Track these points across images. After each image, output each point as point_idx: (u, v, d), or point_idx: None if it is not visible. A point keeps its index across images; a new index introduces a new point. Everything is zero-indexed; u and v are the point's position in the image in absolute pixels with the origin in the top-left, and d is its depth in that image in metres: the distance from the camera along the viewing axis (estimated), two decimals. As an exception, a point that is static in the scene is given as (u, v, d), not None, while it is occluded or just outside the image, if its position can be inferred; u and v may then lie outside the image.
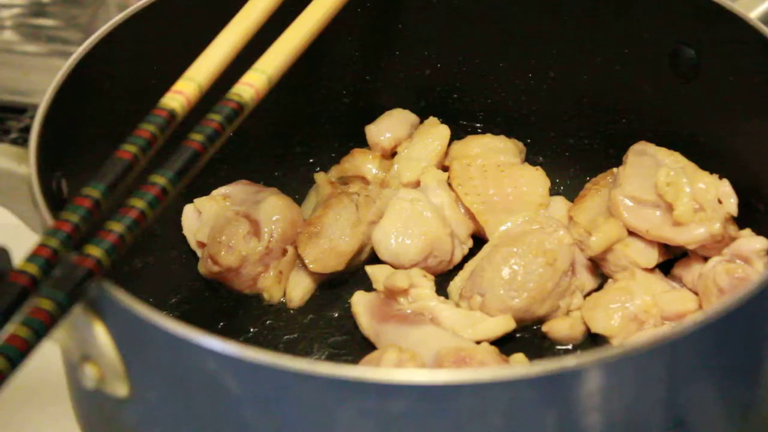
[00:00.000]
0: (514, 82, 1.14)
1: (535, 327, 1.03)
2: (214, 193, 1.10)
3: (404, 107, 1.16)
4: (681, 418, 0.76)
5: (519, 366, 0.91)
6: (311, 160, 1.17)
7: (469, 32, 1.12)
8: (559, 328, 1.01)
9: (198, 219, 1.09)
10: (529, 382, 0.70)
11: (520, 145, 1.14)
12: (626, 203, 1.03)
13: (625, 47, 1.07)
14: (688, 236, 1.00)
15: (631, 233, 1.04)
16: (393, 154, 1.14)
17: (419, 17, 1.12)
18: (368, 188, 1.11)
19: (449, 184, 1.10)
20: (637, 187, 1.03)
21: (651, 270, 1.03)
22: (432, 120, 1.15)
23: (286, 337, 1.04)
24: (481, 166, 1.11)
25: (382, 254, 1.07)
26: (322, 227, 1.07)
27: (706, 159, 1.04)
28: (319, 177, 1.14)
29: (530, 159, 1.15)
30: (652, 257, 1.03)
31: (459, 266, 1.08)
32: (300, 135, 1.17)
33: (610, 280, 1.04)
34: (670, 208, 1.01)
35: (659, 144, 1.07)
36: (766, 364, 0.80)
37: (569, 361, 0.70)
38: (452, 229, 1.08)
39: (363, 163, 1.13)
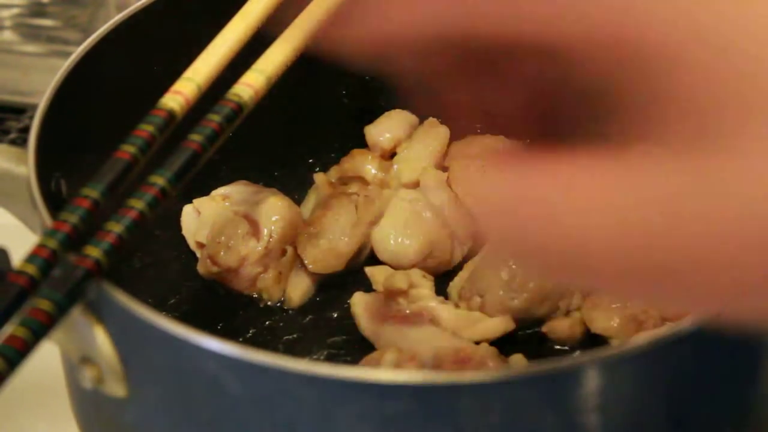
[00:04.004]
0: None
1: (534, 327, 1.02)
2: (214, 193, 1.10)
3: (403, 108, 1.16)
4: (681, 418, 0.76)
5: (519, 366, 0.91)
6: (311, 161, 1.17)
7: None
8: (559, 328, 1.01)
9: (197, 219, 1.09)
10: (529, 383, 0.70)
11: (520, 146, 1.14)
12: None
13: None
14: None
15: None
16: (392, 154, 1.14)
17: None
18: (368, 189, 1.11)
19: (449, 185, 1.10)
20: None
21: None
22: (431, 120, 1.14)
23: (285, 337, 1.04)
24: (480, 167, 1.11)
25: (382, 255, 1.07)
26: (321, 228, 1.07)
27: (706, 159, 1.04)
28: (319, 177, 1.14)
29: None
30: None
31: (459, 266, 1.08)
32: (299, 135, 1.17)
33: None
34: None
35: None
36: (765, 365, 0.80)
37: (569, 361, 0.70)
38: (452, 229, 1.07)
39: (362, 163, 1.13)
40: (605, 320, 1.00)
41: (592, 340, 1.01)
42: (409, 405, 0.70)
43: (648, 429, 0.76)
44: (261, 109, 1.08)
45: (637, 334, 0.99)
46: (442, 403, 0.69)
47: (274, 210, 1.07)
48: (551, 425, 0.72)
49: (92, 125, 0.97)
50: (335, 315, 1.06)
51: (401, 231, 1.06)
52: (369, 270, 1.05)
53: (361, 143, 1.15)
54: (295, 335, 1.04)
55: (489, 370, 0.79)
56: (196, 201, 1.09)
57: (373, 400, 0.70)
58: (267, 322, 1.05)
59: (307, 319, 1.06)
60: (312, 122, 1.16)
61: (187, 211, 1.10)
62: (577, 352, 1.01)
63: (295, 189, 1.15)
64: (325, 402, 0.71)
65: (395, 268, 1.06)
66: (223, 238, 1.05)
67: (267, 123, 1.11)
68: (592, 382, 0.71)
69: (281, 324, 1.05)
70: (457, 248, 1.08)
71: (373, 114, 1.16)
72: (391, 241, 1.06)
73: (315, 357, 1.02)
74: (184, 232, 1.09)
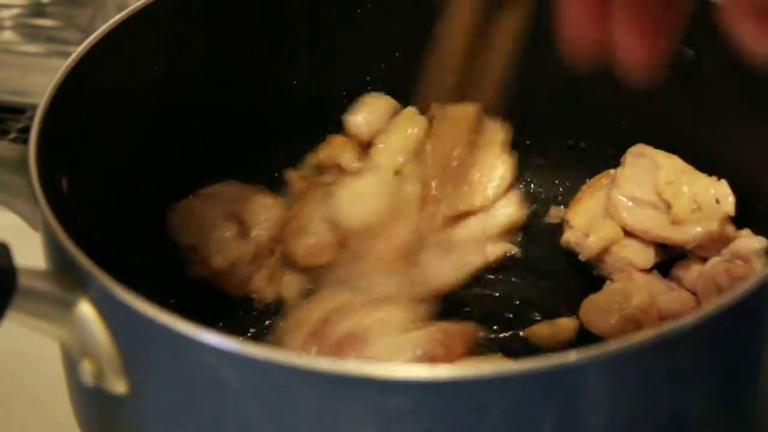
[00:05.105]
0: (513, 82, 1.13)
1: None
2: (201, 192, 1.09)
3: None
4: (680, 416, 0.76)
5: (521, 362, 0.90)
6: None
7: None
8: (540, 334, 1.01)
9: (185, 220, 1.07)
10: (529, 380, 0.70)
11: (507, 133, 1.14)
12: (625, 203, 1.04)
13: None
14: (687, 235, 1.00)
15: (628, 234, 1.04)
16: (370, 143, 1.14)
17: (419, 17, 1.12)
18: (344, 178, 1.10)
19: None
20: (636, 187, 1.04)
21: (649, 271, 1.03)
22: (410, 110, 1.13)
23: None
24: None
25: (337, 213, 1.05)
26: (303, 222, 1.06)
27: (706, 159, 1.04)
28: (290, 174, 1.13)
29: (530, 159, 1.15)
30: (649, 258, 1.03)
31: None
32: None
33: (608, 282, 1.04)
34: (668, 208, 1.01)
35: (658, 145, 1.07)
36: (765, 363, 0.80)
37: (570, 357, 0.70)
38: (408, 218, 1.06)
39: (340, 151, 1.12)
40: (603, 321, 1.00)
41: (583, 340, 1.01)
42: (410, 400, 0.69)
43: (647, 426, 0.76)
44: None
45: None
46: (443, 398, 0.69)
47: (263, 209, 1.07)
48: (551, 423, 0.72)
49: (92, 125, 0.97)
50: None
51: (363, 198, 1.05)
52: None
53: (338, 130, 1.15)
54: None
55: (491, 365, 0.79)
56: (183, 201, 1.08)
57: (375, 396, 0.70)
58: (267, 321, 1.05)
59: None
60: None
61: (175, 211, 1.07)
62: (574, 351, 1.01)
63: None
64: (326, 397, 0.70)
65: (346, 230, 1.04)
66: (213, 240, 1.04)
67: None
68: (592, 380, 0.72)
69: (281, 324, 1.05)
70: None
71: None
72: (349, 202, 1.05)
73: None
74: (172, 232, 1.07)
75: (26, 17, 1.42)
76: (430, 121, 1.11)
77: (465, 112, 1.09)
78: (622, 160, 1.07)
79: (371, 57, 1.15)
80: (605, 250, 1.04)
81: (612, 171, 1.08)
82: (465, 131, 1.08)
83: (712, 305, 0.73)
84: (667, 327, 0.71)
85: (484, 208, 1.08)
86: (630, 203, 1.03)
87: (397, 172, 1.09)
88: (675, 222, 1.00)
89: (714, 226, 0.99)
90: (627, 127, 1.10)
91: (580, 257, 1.06)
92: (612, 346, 0.70)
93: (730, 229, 1.01)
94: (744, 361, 0.79)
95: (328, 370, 0.69)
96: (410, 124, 1.12)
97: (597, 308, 1.01)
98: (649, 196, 1.03)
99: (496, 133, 1.12)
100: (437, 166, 1.07)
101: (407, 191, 1.07)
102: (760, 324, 0.78)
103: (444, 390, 0.69)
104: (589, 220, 1.06)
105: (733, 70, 1.00)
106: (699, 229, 0.99)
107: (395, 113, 1.14)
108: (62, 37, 1.40)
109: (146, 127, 1.04)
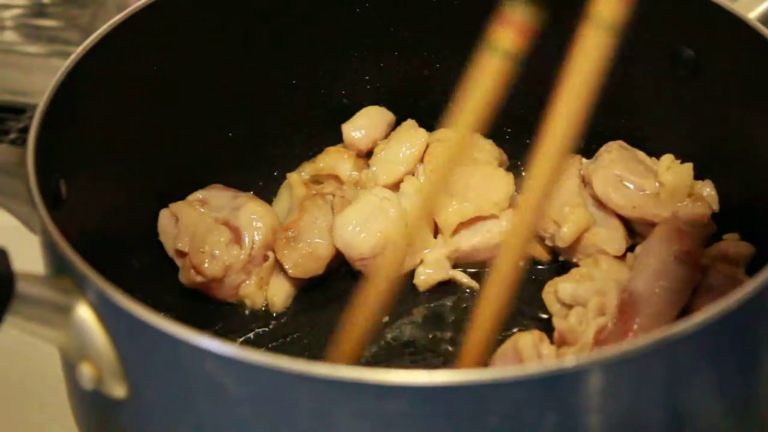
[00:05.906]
0: (512, 83, 1.13)
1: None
2: (190, 197, 1.08)
3: (401, 107, 1.16)
4: (680, 418, 0.76)
5: (518, 367, 0.91)
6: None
7: (467, 33, 1.12)
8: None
9: (175, 225, 1.06)
10: (528, 383, 0.70)
11: (504, 156, 1.14)
12: (613, 182, 1.05)
13: (625, 47, 1.07)
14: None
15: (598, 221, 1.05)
16: (368, 153, 1.13)
17: (417, 18, 1.12)
18: (343, 188, 1.10)
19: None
20: (623, 169, 1.05)
21: (621, 257, 1.04)
22: (410, 122, 1.14)
23: (281, 340, 1.04)
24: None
25: (337, 240, 1.05)
26: (299, 231, 1.06)
27: (705, 159, 1.04)
28: (293, 177, 1.12)
29: (527, 159, 1.15)
30: (621, 245, 1.05)
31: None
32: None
33: (574, 269, 1.05)
34: (656, 191, 1.02)
35: (658, 144, 1.07)
36: (764, 364, 0.80)
37: (569, 362, 0.70)
38: (412, 237, 1.06)
39: (338, 162, 1.12)
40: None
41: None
42: (407, 405, 0.69)
43: (647, 430, 0.75)
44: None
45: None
46: (440, 403, 0.69)
47: (254, 216, 1.06)
48: (550, 426, 0.72)
49: (92, 126, 0.97)
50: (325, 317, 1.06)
51: (361, 222, 1.05)
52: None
53: (335, 142, 1.15)
54: (295, 335, 1.04)
55: (488, 371, 0.79)
56: (172, 205, 1.07)
57: (371, 401, 0.70)
58: (272, 323, 1.05)
59: (302, 321, 1.05)
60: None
61: (164, 216, 1.07)
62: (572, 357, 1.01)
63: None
64: (323, 402, 0.71)
65: (345, 256, 1.05)
66: (206, 247, 1.04)
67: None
68: (591, 382, 0.71)
69: (282, 324, 1.05)
70: (409, 257, 1.07)
71: (347, 114, 1.15)
72: (349, 229, 1.05)
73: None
74: (162, 238, 1.07)
75: (27, 17, 1.42)
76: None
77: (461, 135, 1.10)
78: (602, 149, 1.09)
79: (372, 66, 1.15)
80: (577, 238, 1.04)
81: (575, 156, 1.09)
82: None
83: (711, 311, 0.73)
84: (664, 332, 0.71)
85: (493, 216, 1.08)
86: (617, 183, 1.05)
87: (396, 184, 1.09)
88: (667, 198, 1.03)
89: (707, 208, 1.02)
90: (626, 126, 1.11)
91: (547, 242, 1.07)
92: (610, 351, 0.70)
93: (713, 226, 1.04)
94: (744, 363, 0.79)
95: (325, 375, 0.69)
96: (411, 136, 1.12)
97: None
98: (636, 178, 1.04)
99: (494, 150, 1.13)
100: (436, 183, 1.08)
101: (406, 208, 1.07)
102: (758, 327, 0.78)
103: (441, 396, 0.69)
104: (558, 206, 1.06)
105: (732, 70, 1.01)
106: (697, 209, 1.02)
107: (391, 124, 1.14)
108: (63, 38, 1.40)
109: (145, 128, 1.04)
